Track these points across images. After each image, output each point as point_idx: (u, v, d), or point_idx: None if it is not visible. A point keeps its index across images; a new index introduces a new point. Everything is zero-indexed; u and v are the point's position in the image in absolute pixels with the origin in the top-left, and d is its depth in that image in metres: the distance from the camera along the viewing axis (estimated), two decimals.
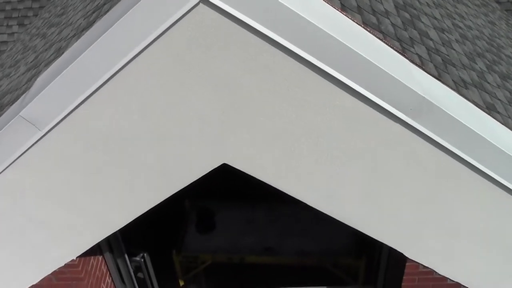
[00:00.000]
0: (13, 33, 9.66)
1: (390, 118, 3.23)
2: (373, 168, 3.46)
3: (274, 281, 6.06)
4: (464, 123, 3.22)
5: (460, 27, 5.68)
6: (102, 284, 4.76)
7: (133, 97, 3.23)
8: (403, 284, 4.24)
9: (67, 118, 3.31)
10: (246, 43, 2.97)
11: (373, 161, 3.43)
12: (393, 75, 3.04)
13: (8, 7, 9.63)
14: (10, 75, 5.47)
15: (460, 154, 3.34)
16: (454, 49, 4.62)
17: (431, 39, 4.23)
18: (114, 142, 3.41)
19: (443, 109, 3.16)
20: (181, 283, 6.88)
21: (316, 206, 3.69)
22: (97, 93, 3.21)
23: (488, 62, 5.16)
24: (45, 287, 4.38)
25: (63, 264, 4.17)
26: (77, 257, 4.15)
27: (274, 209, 7.08)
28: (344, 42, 2.91)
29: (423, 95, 3.10)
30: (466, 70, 4.28)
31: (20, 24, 9.70)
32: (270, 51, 2.99)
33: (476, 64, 4.77)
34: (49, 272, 4.24)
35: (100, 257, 4.75)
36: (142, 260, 6.15)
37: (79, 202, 3.72)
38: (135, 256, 6.16)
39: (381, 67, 3.01)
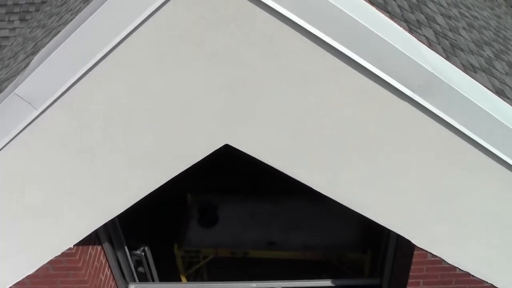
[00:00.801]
0: (14, 28, 9.61)
1: (397, 96, 3.11)
2: (379, 149, 3.34)
3: (278, 277, 5.93)
4: (474, 101, 3.10)
5: (466, 17, 5.58)
6: (100, 275, 4.64)
7: (131, 75, 3.13)
8: (410, 273, 4.10)
9: (63, 97, 3.21)
10: (251, 15, 2.86)
11: (379, 142, 3.31)
12: (400, 49, 2.92)
13: (9, 2, 9.58)
14: (10, 65, 5.39)
15: (469, 134, 3.21)
16: (462, 35, 4.51)
17: (438, 24, 4.12)
18: (112, 123, 3.31)
19: (453, 86, 3.04)
20: (183, 279, 6.75)
21: (321, 190, 3.56)
22: (93, 70, 3.11)
23: (495, 51, 5.04)
24: (41, 277, 4.26)
25: (59, 253, 4.05)
26: (74, 246, 4.04)
27: (278, 203, 6.97)
28: (349, 13, 2.80)
29: (432, 71, 2.99)
30: (474, 56, 4.16)
31: (22, 19, 9.65)
32: (276, 24, 2.89)
33: (484, 51, 4.65)
34: (46, 261, 4.12)
35: (99, 248, 4.63)
36: (143, 253, 6.07)
37: (76, 186, 3.61)
38: (136, 249, 6.09)
39: (388, 40, 2.89)
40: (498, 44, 5.47)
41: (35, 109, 3.24)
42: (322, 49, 2.96)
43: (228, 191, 7.28)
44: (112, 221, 4.82)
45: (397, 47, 2.91)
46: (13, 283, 4.28)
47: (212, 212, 6.94)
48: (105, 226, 4.66)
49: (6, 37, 9.58)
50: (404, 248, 4.27)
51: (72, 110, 3.26)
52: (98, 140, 3.39)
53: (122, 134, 3.34)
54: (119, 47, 3.02)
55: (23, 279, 4.26)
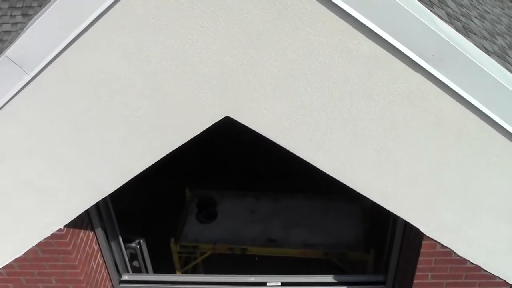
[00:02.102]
0: (16, 23, 9.48)
1: (410, 67, 2.93)
2: (390, 126, 3.15)
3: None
4: (491, 74, 2.91)
5: (478, 9, 5.43)
6: (92, 262, 4.43)
7: (127, 37, 2.95)
8: (418, 266, 3.89)
9: (56, 61, 3.03)
10: None
11: (390, 118, 3.12)
12: (414, 14, 2.75)
13: None
14: None
15: (485, 110, 3.02)
16: (474, 22, 4.35)
17: (450, 8, 3.96)
18: (107, 90, 3.13)
19: (468, 56, 2.86)
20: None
21: (327, 171, 3.35)
22: (86, 33, 2.94)
23: (508, 42, 4.88)
24: (30, 260, 4.06)
25: (49, 234, 3.85)
26: (65, 227, 3.84)
27: (279, 201, 6.77)
28: None
29: (447, 39, 2.81)
30: (487, 41, 4.00)
31: (25, 15, 9.52)
32: None
33: (497, 40, 4.49)
34: (35, 243, 3.92)
35: (91, 233, 4.42)
36: (138, 246, 5.86)
37: (67, 159, 3.42)
38: (131, 242, 5.88)
39: (401, 4, 2.72)
40: (510, 37, 5.32)
41: (27, 73, 3.07)
42: (331, 13, 2.79)
43: (228, 188, 7.09)
44: (106, 208, 4.63)
45: (410, 11, 2.74)
46: (1, 267, 4.08)
47: (211, 208, 6.73)
48: (98, 212, 4.48)
49: (8, 32, 9.45)
50: (411, 240, 4.06)
51: (66, 75, 3.08)
52: (91, 109, 3.20)
53: (117, 102, 3.16)
54: (114, 7, 2.85)
55: (11, 262, 4.06)
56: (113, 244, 4.88)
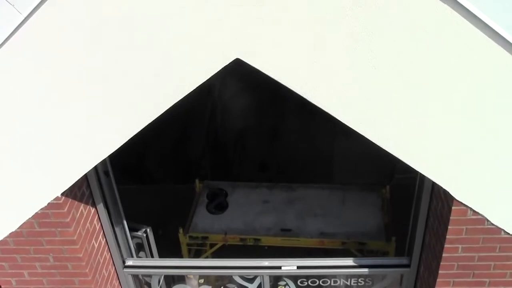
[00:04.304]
0: None
1: None
2: (413, 62, 2.82)
3: None
4: None
5: None
6: (93, 241, 4.13)
7: None
8: (447, 237, 3.52)
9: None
10: None
11: (414, 54, 2.80)
12: None
13: None
14: None
15: None
16: None
17: None
18: (108, 33, 2.86)
19: None
20: None
21: (343, 119, 3.03)
22: None
23: None
24: (25, 235, 3.77)
25: (46, 204, 3.57)
26: (62, 196, 3.56)
27: (294, 190, 6.44)
28: None
29: None
30: None
31: None
32: None
33: None
34: (30, 215, 3.64)
35: (93, 209, 4.13)
36: (145, 235, 5.53)
37: (62, 114, 3.15)
38: (137, 231, 5.57)
39: None
40: None
41: (20, 13, 2.82)
42: None
43: (240, 179, 6.81)
44: (110, 191, 4.32)
45: None
46: None
47: (222, 198, 6.42)
48: (102, 192, 4.19)
49: None
50: (438, 212, 3.70)
51: (62, 16, 2.82)
52: (90, 57, 2.94)
53: (120, 48, 2.89)
54: None
55: (5, 237, 3.77)
56: (117, 229, 4.58)
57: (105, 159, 3.94)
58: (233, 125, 8.69)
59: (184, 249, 6.03)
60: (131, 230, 5.05)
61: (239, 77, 8.14)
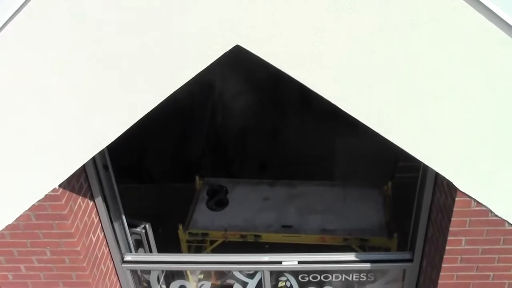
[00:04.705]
0: None
1: None
2: (418, 51, 2.78)
3: None
4: None
5: None
6: (91, 235, 4.07)
7: None
8: (451, 229, 3.47)
9: None
10: None
11: (418, 42, 2.76)
12: None
13: None
14: None
15: None
16: None
17: None
18: (107, 17, 2.81)
19: None
20: None
21: (345, 108, 2.98)
22: None
23: None
24: (22, 228, 3.72)
25: (43, 195, 3.52)
26: (60, 188, 3.51)
27: (294, 187, 6.38)
28: None
29: None
30: None
31: None
32: None
33: None
34: (27, 208, 3.59)
35: (91, 203, 4.08)
36: (144, 231, 5.48)
37: (60, 103, 3.10)
38: (136, 227, 5.51)
39: None
40: None
41: None
42: None
43: (240, 177, 6.76)
44: (109, 186, 4.27)
45: None
46: None
47: (222, 195, 6.36)
48: (101, 187, 4.13)
49: None
50: (441, 204, 3.64)
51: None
52: (89, 39, 2.89)
53: (121, 32, 2.84)
54: None
55: (1, 230, 3.72)
56: (116, 224, 4.53)
57: (104, 152, 3.94)
58: (233, 125, 8.65)
59: (184, 246, 5.98)
60: (130, 226, 5.00)
61: (239, 77, 8.12)
